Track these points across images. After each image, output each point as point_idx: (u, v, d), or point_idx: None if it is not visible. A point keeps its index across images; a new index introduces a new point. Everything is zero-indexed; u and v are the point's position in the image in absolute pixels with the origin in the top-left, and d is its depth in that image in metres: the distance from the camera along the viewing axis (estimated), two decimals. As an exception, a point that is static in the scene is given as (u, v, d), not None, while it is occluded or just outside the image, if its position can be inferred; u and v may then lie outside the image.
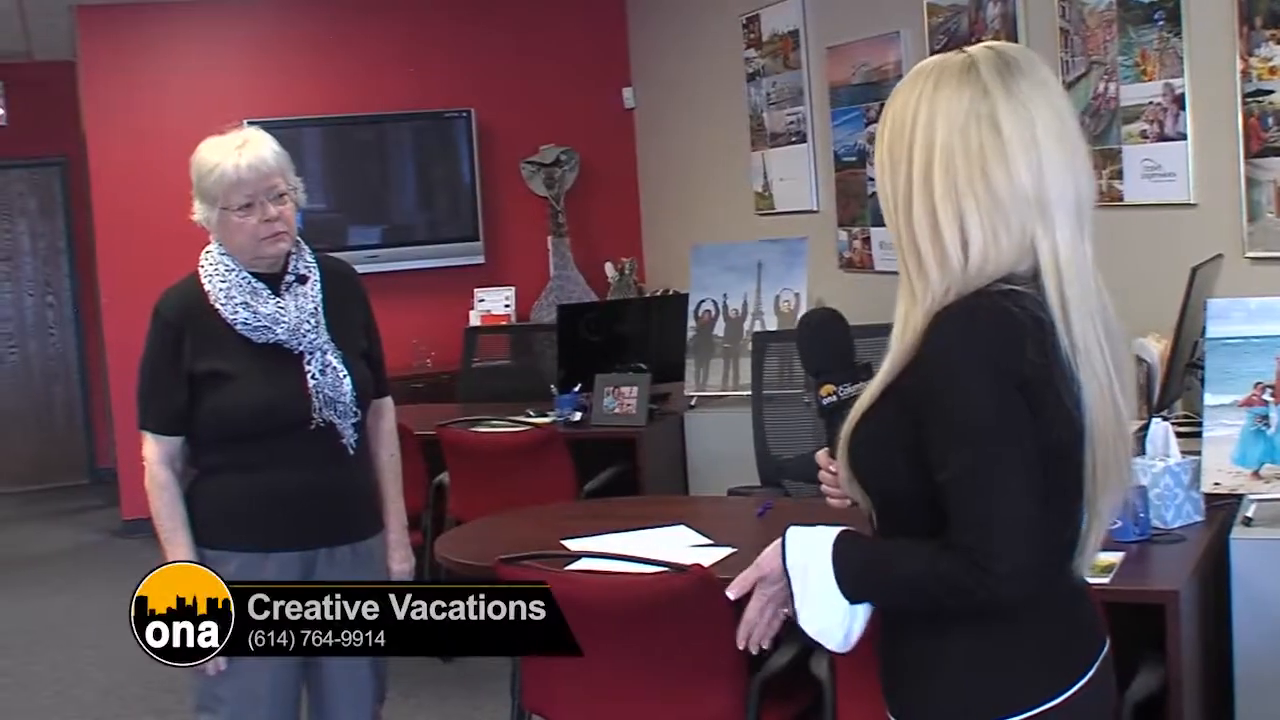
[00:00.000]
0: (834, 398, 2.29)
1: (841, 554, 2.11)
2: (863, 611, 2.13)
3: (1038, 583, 2.02)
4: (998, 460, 1.97)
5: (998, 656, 2.06)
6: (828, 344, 2.35)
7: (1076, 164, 2.06)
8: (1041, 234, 2.02)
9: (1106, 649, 2.17)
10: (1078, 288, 2.02)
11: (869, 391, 2.10)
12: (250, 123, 3.95)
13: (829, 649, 2.17)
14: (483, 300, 9.46)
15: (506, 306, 9.43)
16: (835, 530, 2.14)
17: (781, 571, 2.17)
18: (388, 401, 3.77)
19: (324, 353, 3.47)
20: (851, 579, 2.10)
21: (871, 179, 7.00)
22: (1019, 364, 1.98)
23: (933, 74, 2.08)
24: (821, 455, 2.33)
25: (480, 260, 9.59)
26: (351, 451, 3.52)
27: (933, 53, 6.23)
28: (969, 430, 1.97)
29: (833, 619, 2.13)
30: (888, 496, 2.13)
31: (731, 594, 2.28)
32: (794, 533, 2.18)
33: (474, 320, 9.23)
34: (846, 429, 2.12)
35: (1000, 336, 1.98)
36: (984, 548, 1.96)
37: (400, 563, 3.71)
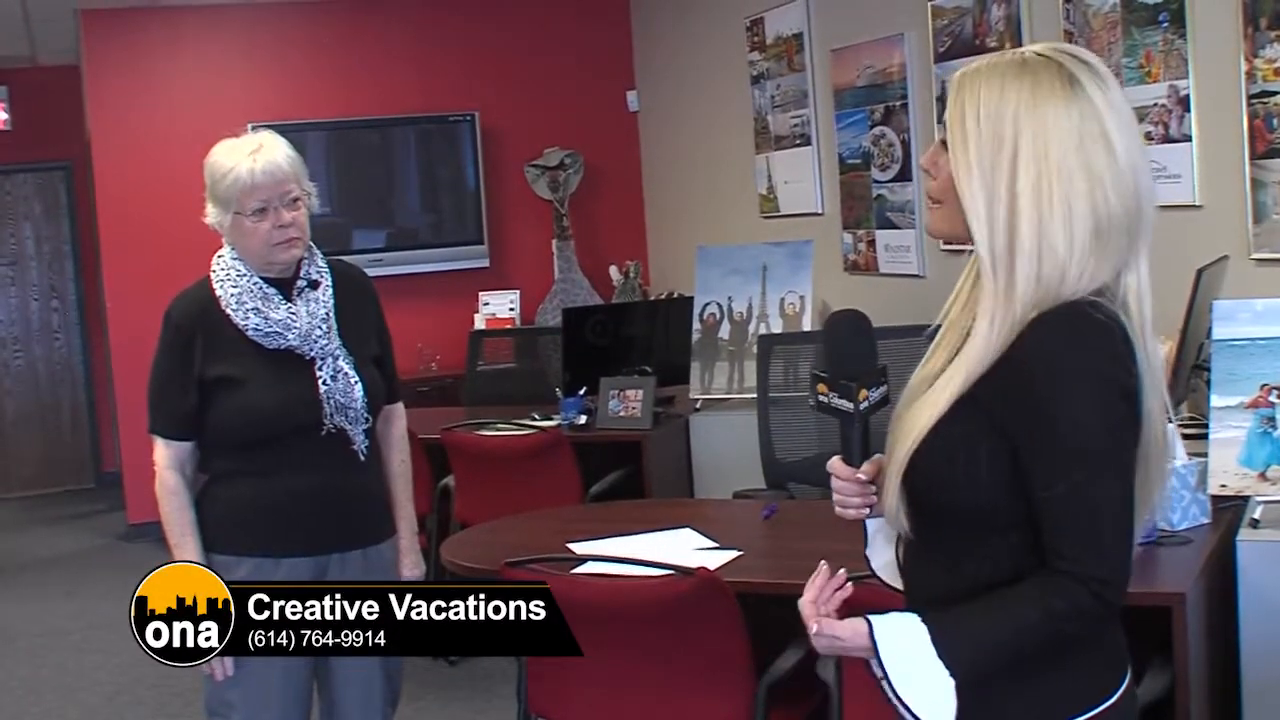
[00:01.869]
0: (867, 402, 2.22)
1: (949, 651, 2.00)
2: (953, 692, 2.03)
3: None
4: (1110, 476, 1.95)
5: (1060, 657, 2.04)
6: (864, 345, 2.31)
7: (1149, 174, 2.06)
8: (1131, 255, 2.02)
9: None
10: (1148, 304, 2.03)
11: (935, 401, 2.04)
12: (254, 126, 3.95)
13: None
14: (487, 304, 9.46)
15: (511, 310, 9.44)
16: (917, 619, 2.03)
17: (871, 648, 2.04)
18: (399, 407, 3.77)
19: (335, 358, 3.47)
20: (965, 666, 2.00)
21: (877, 181, 7.00)
22: (1125, 375, 1.97)
23: (1025, 80, 2.03)
24: (836, 463, 2.24)
25: (485, 264, 9.59)
26: (362, 457, 3.52)
27: (936, 55, 6.28)
28: (1080, 446, 1.95)
29: (946, 707, 2.03)
30: (951, 510, 2.05)
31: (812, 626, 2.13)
32: (881, 626, 2.04)
33: (479, 324, 9.22)
34: (910, 441, 2.05)
35: (1106, 347, 1.96)
36: (1101, 567, 1.95)
37: (411, 569, 3.71)
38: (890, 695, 2.03)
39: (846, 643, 2.08)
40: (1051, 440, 1.96)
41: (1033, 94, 2.01)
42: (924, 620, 2.02)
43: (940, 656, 2.00)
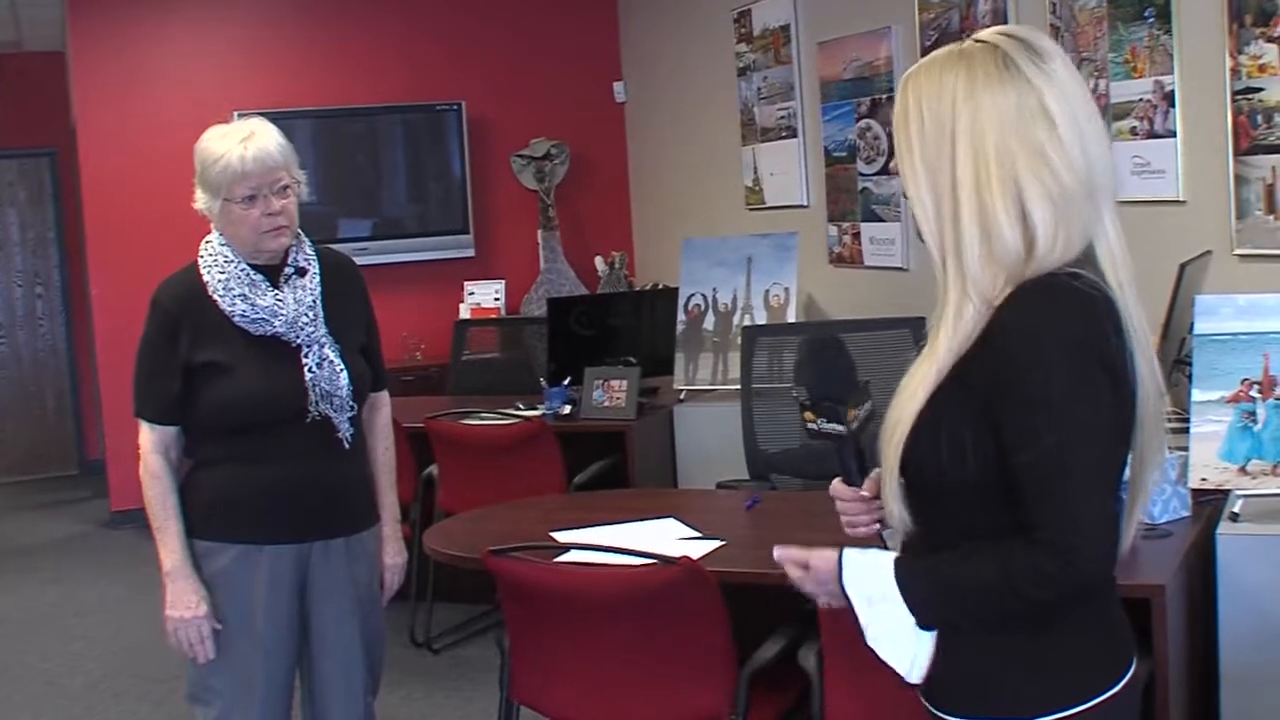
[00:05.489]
0: (857, 420, 2.25)
1: (906, 578, 2.07)
2: (929, 639, 2.09)
3: (1112, 564, 2.03)
4: (1083, 443, 1.94)
5: (1060, 647, 2.05)
6: (842, 366, 2.34)
7: (1106, 143, 2.07)
8: (1096, 222, 2.02)
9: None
10: (1126, 271, 2.03)
11: (915, 393, 2.06)
12: (240, 114, 3.94)
13: (908, 680, 2.12)
14: (473, 293, 9.46)
15: (496, 300, 9.44)
16: (890, 555, 2.11)
17: (839, 589, 2.13)
18: (384, 395, 3.78)
19: (321, 346, 3.47)
20: (923, 602, 2.06)
21: (862, 174, 7.02)
22: (1103, 344, 1.97)
23: (961, 69, 2.05)
24: (838, 486, 2.29)
25: (470, 253, 9.59)
26: (347, 445, 3.52)
27: (923, 48, 6.29)
28: (1054, 412, 1.94)
29: (903, 646, 2.09)
30: (948, 493, 2.06)
31: (777, 553, 2.24)
32: (851, 555, 2.13)
33: (464, 313, 9.23)
34: (900, 432, 2.07)
35: (1084, 316, 1.96)
36: (1070, 533, 1.93)
37: (393, 556, 3.72)
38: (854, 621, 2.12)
39: (820, 570, 2.17)
40: (1023, 405, 1.96)
41: (969, 82, 2.03)
42: (895, 563, 2.09)
43: (897, 580, 2.07)
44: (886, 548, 2.26)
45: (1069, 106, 2.02)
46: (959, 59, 2.06)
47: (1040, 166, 1.99)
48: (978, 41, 2.08)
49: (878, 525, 2.26)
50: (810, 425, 2.29)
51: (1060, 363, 1.95)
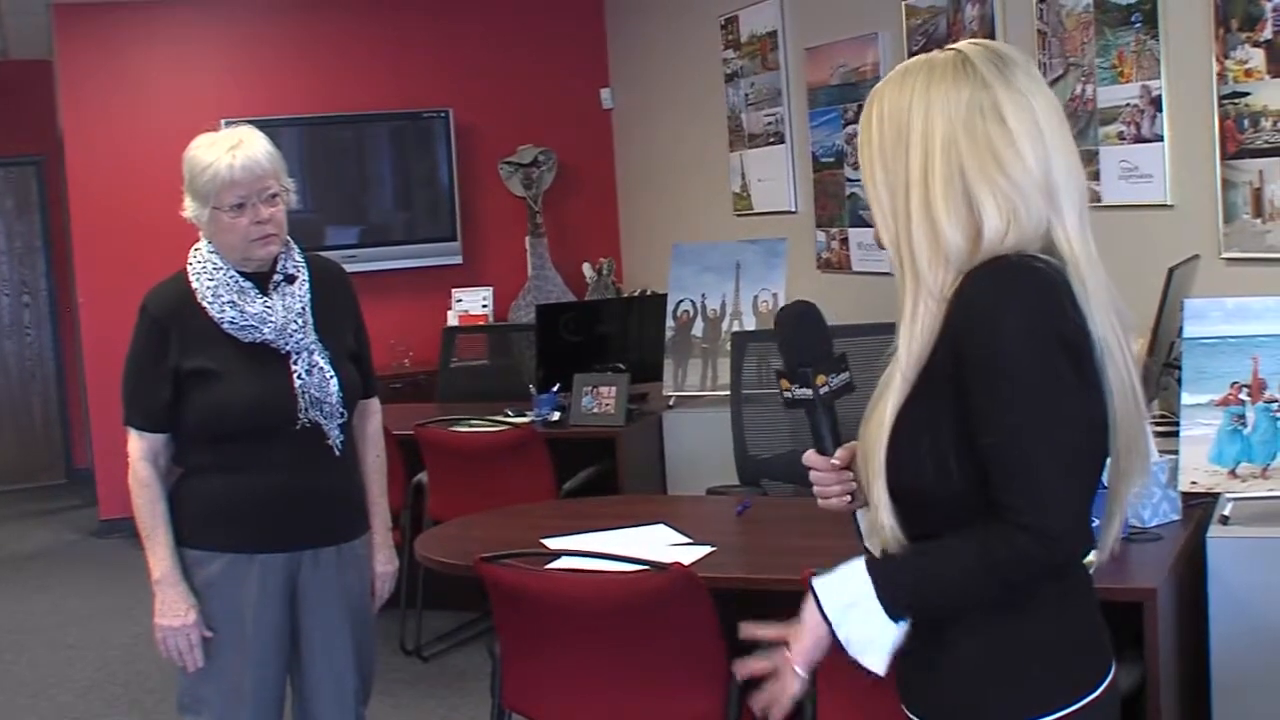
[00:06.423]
0: (827, 387, 2.23)
1: (880, 579, 2.04)
2: (900, 631, 2.06)
3: (1086, 544, 2.02)
4: (1046, 419, 1.93)
5: (1033, 656, 2.04)
6: (816, 333, 2.31)
7: (1074, 155, 2.06)
8: (1055, 221, 2.02)
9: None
10: (1092, 277, 2.01)
11: (894, 388, 2.04)
12: (228, 122, 3.93)
13: (875, 672, 2.08)
14: (460, 300, 9.46)
15: (484, 306, 9.44)
16: (859, 560, 2.08)
17: (827, 632, 2.08)
18: (374, 402, 3.77)
19: (311, 353, 3.47)
20: (901, 599, 2.03)
21: (850, 180, 7.02)
22: (1060, 322, 1.95)
23: (922, 71, 2.06)
24: (811, 455, 2.26)
25: (458, 260, 9.59)
26: (337, 452, 3.52)
27: (910, 54, 6.29)
28: (1015, 389, 1.93)
29: (883, 644, 2.06)
30: (930, 495, 2.04)
31: (801, 670, 2.14)
32: (821, 582, 2.10)
33: (452, 320, 9.22)
34: (880, 431, 2.05)
35: (1038, 294, 1.96)
36: (1041, 511, 1.92)
37: (384, 564, 3.72)
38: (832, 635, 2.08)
39: (814, 635, 2.11)
40: (985, 385, 1.95)
41: (927, 82, 2.05)
42: (867, 566, 2.07)
43: (871, 576, 2.04)
44: (858, 526, 2.25)
45: (1027, 107, 2.02)
46: (924, 63, 2.09)
47: (987, 161, 2.00)
48: (946, 50, 2.10)
49: (849, 498, 2.25)
50: (785, 393, 2.27)
51: (1018, 340, 1.94)
